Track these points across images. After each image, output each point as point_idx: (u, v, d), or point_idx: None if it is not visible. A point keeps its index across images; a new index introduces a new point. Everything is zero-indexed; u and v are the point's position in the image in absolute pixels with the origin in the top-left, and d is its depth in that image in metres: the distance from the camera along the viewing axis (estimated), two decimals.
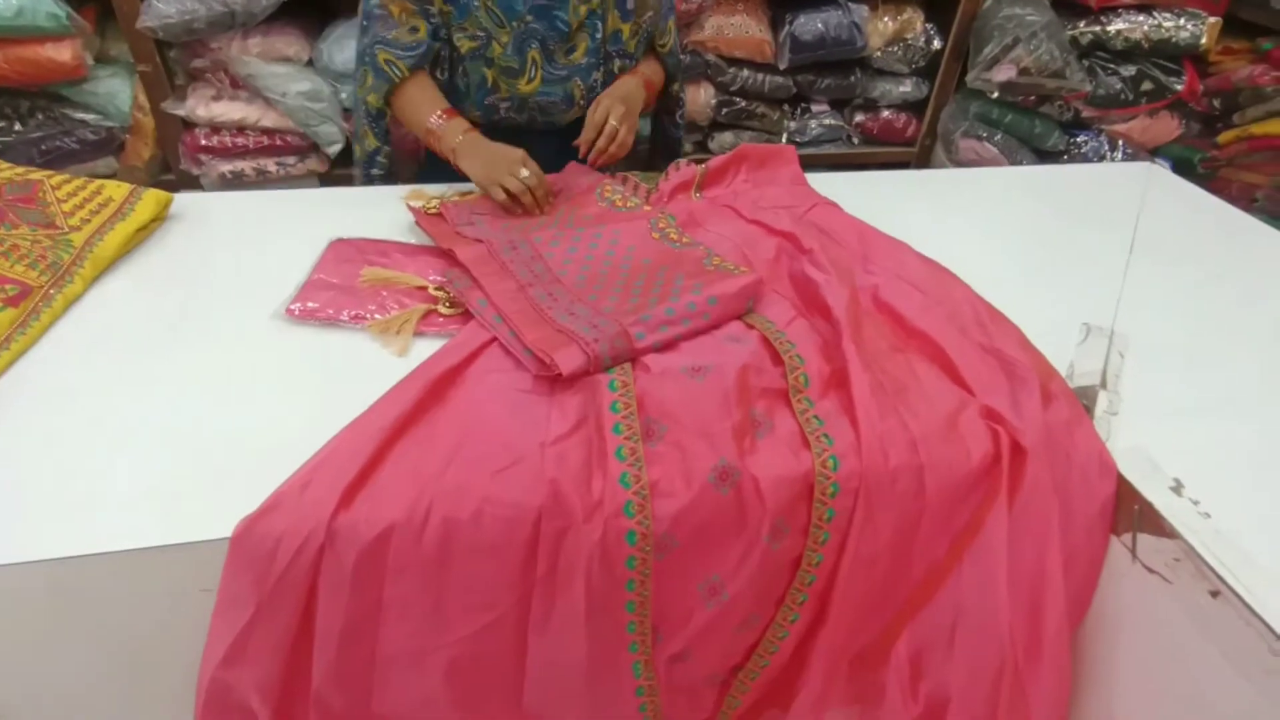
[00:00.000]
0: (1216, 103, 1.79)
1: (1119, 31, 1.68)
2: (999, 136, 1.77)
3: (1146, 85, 1.71)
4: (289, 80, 1.49)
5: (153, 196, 0.86)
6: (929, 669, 0.69)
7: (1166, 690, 0.64)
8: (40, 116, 1.45)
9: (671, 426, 0.65)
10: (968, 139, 1.78)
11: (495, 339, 0.72)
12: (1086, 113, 1.76)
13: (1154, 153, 1.83)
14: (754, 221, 0.94)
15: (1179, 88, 1.70)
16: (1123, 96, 1.72)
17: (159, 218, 0.88)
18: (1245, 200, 1.74)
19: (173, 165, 1.57)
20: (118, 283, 0.79)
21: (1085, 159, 1.78)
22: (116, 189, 0.86)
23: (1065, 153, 1.80)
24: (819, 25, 1.71)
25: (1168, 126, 1.79)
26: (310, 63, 1.53)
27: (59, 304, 0.72)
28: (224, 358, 0.69)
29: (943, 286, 0.83)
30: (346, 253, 0.83)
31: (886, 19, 1.78)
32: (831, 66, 1.82)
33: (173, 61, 1.50)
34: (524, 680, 0.63)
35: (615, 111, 1.01)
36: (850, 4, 1.73)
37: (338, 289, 0.77)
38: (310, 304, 0.75)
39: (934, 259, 0.89)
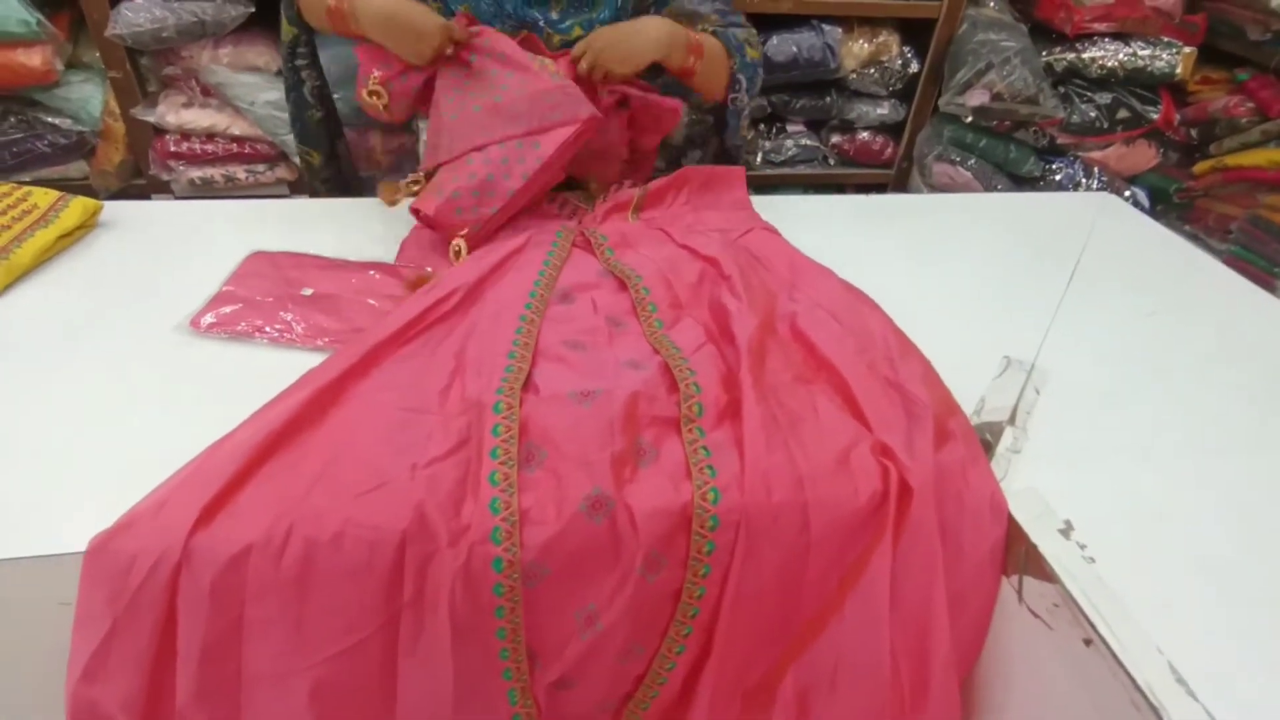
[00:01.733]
0: (1194, 133, 1.77)
1: (1094, 59, 1.67)
2: (973, 161, 1.76)
3: (1122, 113, 1.70)
4: (257, 89, 1.50)
5: (79, 204, 0.87)
6: (814, 708, 0.68)
7: None
8: (12, 120, 1.48)
9: (551, 453, 0.64)
10: (941, 163, 1.77)
11: (384, 348, 0.71)
12: (1062, 139, 1.75)
13: (1131, 181, 1.81)
14: (683, 245, 0.93)
15: (1155, 117, 1.69)
16: (1098, 124, 1.71)
17: (87, 225, 0.89)
18: (1221, 231, 1.71)
19: (143, 170, 1.59)
20: (32, 289, 0.80)
21: (1060, 186, 1.77)
22: (44, 196, 0.87)
23: (1041, 179, 1.78)
24: (792, 46, 1.72)
25: (1145, 155, 1.78)
26: (279, 73, 1.55)
27: None
28: (119, 369, 0.70)
29: (859, 317, 0.82)
30: (260, 266, 0.83)
31: (862, 41, 1.78)
32: (807, 87, 1.82)
33: (145, 68, 1.52)
34: (395, 705, 0.63)
35: (593, 45, 0.93)
36: (824, 26, 1.73)
37: (245, 302, 0.77)
38: (216, 317, 0.75)
39: (858, 287, 0.89)
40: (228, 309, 0.76)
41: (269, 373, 0.71)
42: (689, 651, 0.67)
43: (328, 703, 0.61)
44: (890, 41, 1.79)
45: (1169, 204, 1.83)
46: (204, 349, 0.73)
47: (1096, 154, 1.78)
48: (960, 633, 0.67)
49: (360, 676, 0.61)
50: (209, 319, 0.75)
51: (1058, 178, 1.77)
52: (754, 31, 1.10)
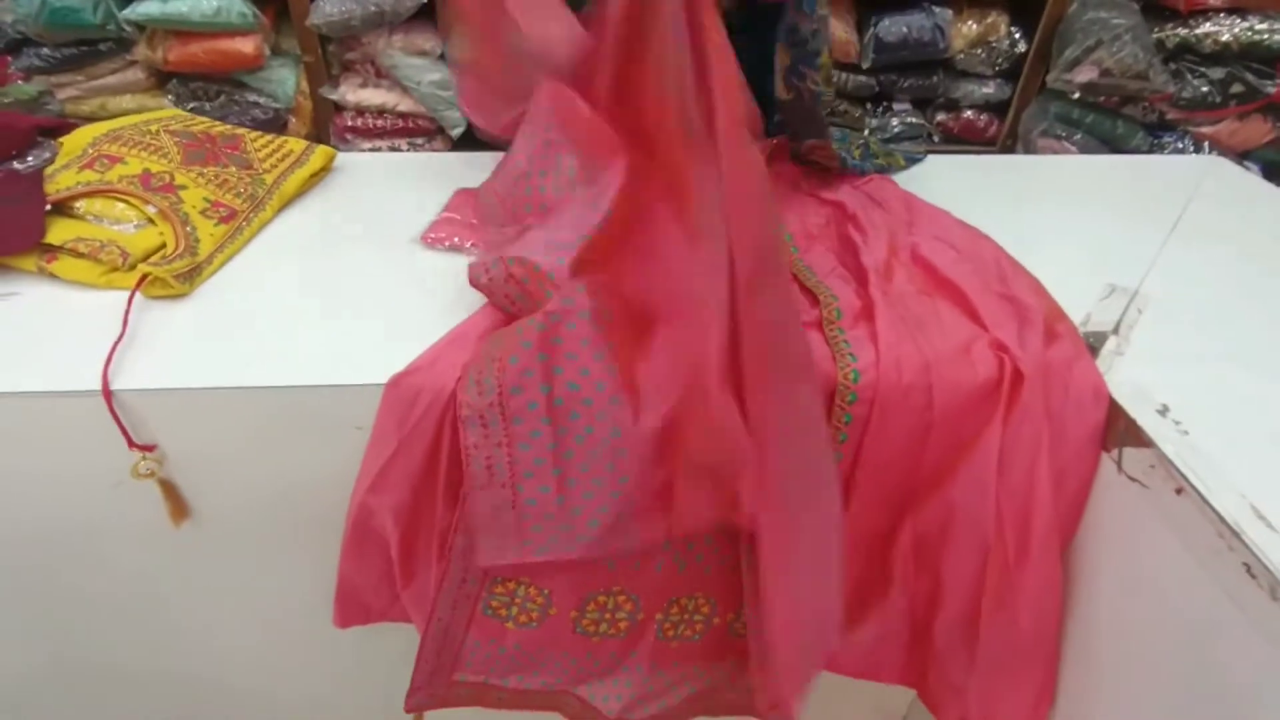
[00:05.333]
0: None
1: (1208, 34, 1.70)
2: (1079, 136, 1.81)
3: (1236, 88, 1.72)
4: (423, 71, 1.73)
5: (323, 151, 1.08)
6: (927, 558, 0.80)
7: (1139, 589, 0.73)
8: (224, 98, 1.75)
9: None
10: (1046, 138, 1.83)
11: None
12: (1172, 115, 1.78)
13: (1244, 156, 1.82)
14: (810, 194, 1.07)
15: (1271, 90, 1.70)
16: (1210, 99, 1.73)
17: (326, 168, 1.10)
18: None
19: (325, 142, 1.84)
20: (296, 214, 1.01)
21: None
22: (296, 144, 1.08)
23: (1149, 154, 1.82)
24: (903, 28, 1.82)
25: (1259, 130, 1.79)
26: (442, 55, 1.77)
27: (255, 224, 0.94)
28: (372, 268, 0.89)
29: (974, 245, 0.94)
30: (466, 199, 1.02)
31: (970, 22, 1.86)
32: (914, 67, 1.92)
33: (330, 54, 1.77)
34: None
35: None
36: (934, 7, 1.82)
37: (459, 224, 0.96)
38: (440, 234, 0.94)
39: (972, 225, 1.00)
40: (449, 229, 0.95)
41: None
42: None
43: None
44: (999, 22, 1.87)
45: None
46: (435, 258, 0.92)
47: (1208, 129, 1.80)
48: (1062, 505, 0.77)
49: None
50: (436, 235, 0.94)
51: (1166, 153, 1.80)
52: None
